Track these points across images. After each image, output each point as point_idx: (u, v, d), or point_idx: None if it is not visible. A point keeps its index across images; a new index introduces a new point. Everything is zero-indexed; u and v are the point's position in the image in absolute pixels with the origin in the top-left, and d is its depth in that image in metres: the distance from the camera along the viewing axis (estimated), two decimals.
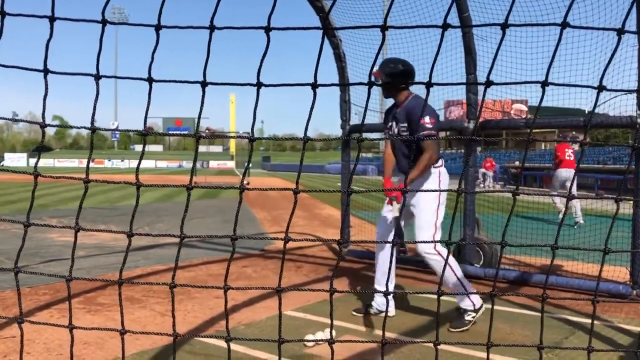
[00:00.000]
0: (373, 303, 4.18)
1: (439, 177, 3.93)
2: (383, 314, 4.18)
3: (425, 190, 1.71)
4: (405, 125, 3.89)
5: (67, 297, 4.50)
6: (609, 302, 4.48)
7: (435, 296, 1.38)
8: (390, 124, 4.08)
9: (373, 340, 1.36)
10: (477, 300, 3.81)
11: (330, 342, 1.29)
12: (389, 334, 3.67)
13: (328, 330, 3.69)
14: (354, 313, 4.16)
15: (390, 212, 4.08)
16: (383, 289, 4.00)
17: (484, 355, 1.49)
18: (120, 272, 1.25)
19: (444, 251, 3.78)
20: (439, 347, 1.37)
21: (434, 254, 3.76)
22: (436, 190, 1.58)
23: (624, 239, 4.76)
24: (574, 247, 1.46)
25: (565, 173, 11.32)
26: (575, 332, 3.84)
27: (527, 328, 3.85)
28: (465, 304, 3.81)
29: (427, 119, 3.76)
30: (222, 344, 3.33)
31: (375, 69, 4.04)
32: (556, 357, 3.28)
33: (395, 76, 3.94)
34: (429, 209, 3.84)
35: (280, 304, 1.25)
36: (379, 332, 3.82)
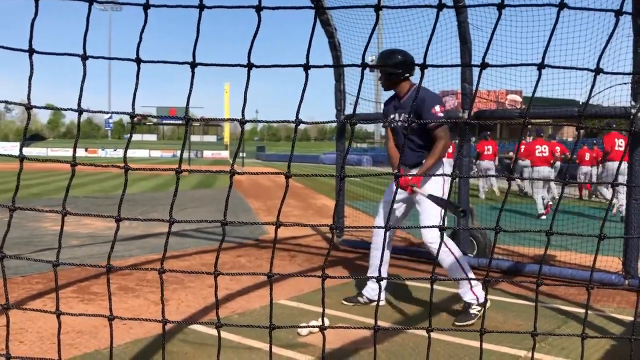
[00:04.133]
0: (364, 292, 4.19)
1: (443, 169, 3.98)
2: (373, 304, 4.20)
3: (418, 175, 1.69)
4: (413, 116, 3.79)
5: (60, 286, 4.46)
6: (602, 290, 4.50)
7: (429, 286, 1.37)
8: (392, 115, 4.03)
9: (365, 327, 1.35)
10: (480, 294, 3.76)
11: (322, 328, 1.28)
12: (383, 323, 3.68)
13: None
14: (344, 302, 4.16)
15: (387, 202, 4.08)
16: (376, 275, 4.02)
17: (478, 343, 1.48)
18: (109, 257, 1.24)
19: (449, 242, 3.82)
20: (431, 334, 1.36)
21: (442, 244, 3.71)
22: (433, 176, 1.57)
23: (616, 229, 4.78)
24: (569, 233, 1.46)
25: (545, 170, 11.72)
26: (567, 321, 3.86)
27: (521, 317, 3.86)
28: (469, 297, 3.77)
29: (437, 108, 3.80)
30: (216, 332, 3.34)
31: (371, 58, 4.01)
32: (549, 345, 3.30)
33: (400, 67, 3.90)
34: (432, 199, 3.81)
35: (271, 289, 1.24)
36: (372, 321, 3.83)
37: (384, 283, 4.20)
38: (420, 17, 5.55)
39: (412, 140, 3.93)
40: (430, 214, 3.82)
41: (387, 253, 4.18)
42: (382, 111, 4.26)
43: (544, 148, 11.38)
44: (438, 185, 3.85)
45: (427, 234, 3.81)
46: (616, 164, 10.62)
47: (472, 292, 3.76)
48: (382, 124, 3.89)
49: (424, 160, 3.86)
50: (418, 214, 3.95)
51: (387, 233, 4.03)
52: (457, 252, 3.80)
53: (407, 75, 3.95)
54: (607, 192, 12.12)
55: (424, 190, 3.83)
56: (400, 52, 4.03)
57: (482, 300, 3.75)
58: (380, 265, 1.44)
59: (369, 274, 4.20)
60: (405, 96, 3.97)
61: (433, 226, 1.42)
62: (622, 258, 4.64)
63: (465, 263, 3.80)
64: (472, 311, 3.76)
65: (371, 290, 4.17)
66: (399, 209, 4.12)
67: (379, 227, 1.29)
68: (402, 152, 3.96)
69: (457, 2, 5.19)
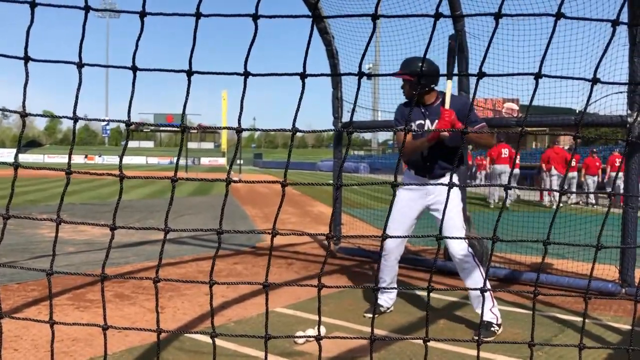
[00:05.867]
0: (380, 302, 4.15)
1: (458, 181, 3.95)
2: (388, 311, 4.18)
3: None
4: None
5: (56, 293, 4.43)
6: (599, 299, 4.50)
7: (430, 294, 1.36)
8: (420, 122, 3.86)
9: (362, 337, 1.34)
10: (498, 314, 3.70)
11: (318, 338, 1.27)
12: (380, 332, 3.66)
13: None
14: (366, 315, 4.08)
15: (405, 207, 3.95)
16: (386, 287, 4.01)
17: (475, 352, 1.48)
18: (103, 266, 1.23)
19: (477, 257, 3.75)
20: (429, 344, 1.36)
21: (470, 256, 3.68)
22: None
23: (613, 237, 4.78)
24: (566, 243, 1.45)
25: (500, 168, 14.36)
26: (564, 330, 3.85)
27: (518, 326, 3.85)
28: (489, 316, 3.68)
29: (477, 113, 3.76)
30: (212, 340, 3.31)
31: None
32: (546, 354, 3.29)
33: (431, 75, 3.80)
34: (458, 210, 3.77)
35: (267, 299, 1.23)
36: (369, 329, 3.81)
37: (394, 293, 4.19)
38: (418, 24, 5.57)
39: (442, 150, 3.77)
40: (455, 226, 3.73)
41: (396, 265, 4.12)
42: (398, 116, 4.04)
43: (506, 150, 14.21)
44: (458, 197, 3.82)
45: (455, 246, 3.72)
46: (501, 166, 14.27)
47: (491, 312, 3.68)
48: (397, 129, 3.67)
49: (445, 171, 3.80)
50: (437, 222, 3.79)
51: (399, 248, 4.03)
52: (482, 267, 3.73)
53: (433, 85, 3.85)
54: (496, 194, 14.68)
55: (442, 202, 3.72)
56: (428, 60, 3.89)
57: (500, 320, 3.69)
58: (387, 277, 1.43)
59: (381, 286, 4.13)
60: (436, 102, 3.83)
61: (429, 235, 1.42)
62: (619, 266, 4.64)
63: (487, 281, 3.73)
64: (492, 329, 3.67)
65: (383, 299, 4.17)
66: (412, 218, 3.98)
67: (376, 237, 1.28)
68: (430, 160, 3.85)
69: (454, 12, 5.22)
